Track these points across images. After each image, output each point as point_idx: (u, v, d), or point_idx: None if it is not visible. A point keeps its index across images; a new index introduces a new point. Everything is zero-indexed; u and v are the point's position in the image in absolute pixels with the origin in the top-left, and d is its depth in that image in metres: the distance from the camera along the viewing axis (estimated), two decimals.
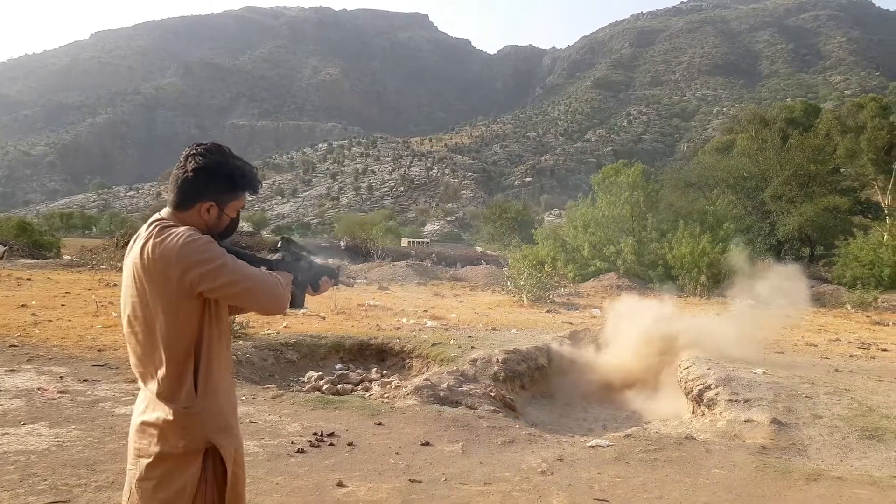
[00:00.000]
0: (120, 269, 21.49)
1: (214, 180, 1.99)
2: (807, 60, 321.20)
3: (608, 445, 5.16)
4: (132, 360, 2.04)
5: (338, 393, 7.33)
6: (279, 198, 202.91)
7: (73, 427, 5.04)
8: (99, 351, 8.02)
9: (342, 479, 4.18)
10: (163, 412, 1.94)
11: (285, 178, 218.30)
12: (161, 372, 1.95)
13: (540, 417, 7.39)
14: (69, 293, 14.39)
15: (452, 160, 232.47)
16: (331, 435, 5.11)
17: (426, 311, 12.88)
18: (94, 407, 5.63)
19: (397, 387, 7.48)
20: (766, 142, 36.68)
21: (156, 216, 2.04)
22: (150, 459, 1.94)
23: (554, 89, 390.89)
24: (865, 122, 35.03)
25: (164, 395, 1.95)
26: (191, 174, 1.97)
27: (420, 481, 4.25)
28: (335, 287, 2.51)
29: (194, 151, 1.99)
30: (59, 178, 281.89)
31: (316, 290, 2.35)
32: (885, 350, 10.46)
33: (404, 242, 62.67)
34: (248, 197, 2.12)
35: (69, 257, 28.01)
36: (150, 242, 1.92)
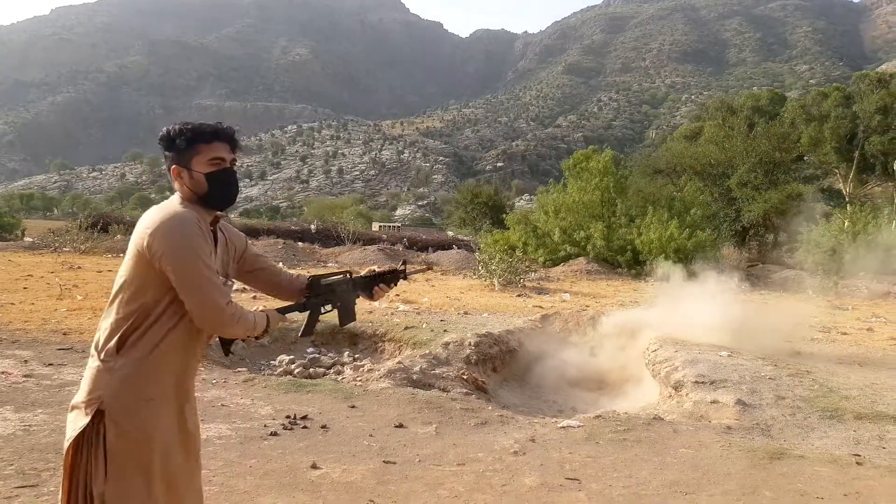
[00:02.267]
0: (83, 252, 21.10)
1: (169, 144, 2.09)
2: (773, 49, 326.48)
3: (579, 426, 5.24)
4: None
5: (310, 377, 7.31)
6: (248, 180, 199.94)
7: (40, 411, 4.95)
8: (64, 335, 7.86)
9: (316, 462, 4.18)
10: (90, 361, 2.01)
11: (254, 161, 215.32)
12: (104, 323, 2.03)
13: (511, 400, 7.47)
14: (31, 276, 14.04)
15: (424, 144, 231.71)
16: (304, 418, 5.10)
17: (398, 294, 12.87)
18: (60, 391, 5.53)
19: (370, 370, 7.48)
20: (732, 129, 37.15)
21: None
22: (69, 408, 2.01)
23: (526, 74, 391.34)
24: (829, 112, 35.75)
25: (96, 346, 2.01)
26: (159, 145, 2.12)
27: (394, 462, 4.27)
28: (407, 281, 2.76)
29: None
30: (19, 158, 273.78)
31: (372, 298, 2.49)
32: (844, 333, 10.78)
33: (375, 227, 62.47)
34: (221, 150, 2.12)
35: (31, 239, 27.28)
36: (150, 210, 2.08)
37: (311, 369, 7.72)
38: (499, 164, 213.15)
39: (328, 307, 2.43)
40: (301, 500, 3.63)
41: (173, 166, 2.08)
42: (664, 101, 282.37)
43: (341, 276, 2.44)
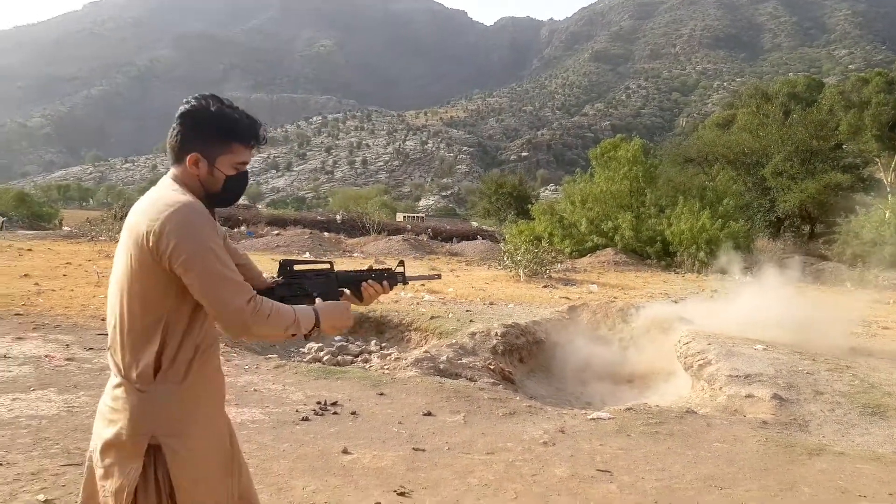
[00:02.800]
0: (118, 241, 21.55)
1: (198, 127, 1.77)
2: (810, 34, 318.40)
3: (609, 418, 5.17)
4: (108, 318, 1.82)
5: (338, 364, 7.34)
6: (274, 171, 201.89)
7: (82, 393, 5.05)
8: (102, 320, 8.01)
9: (347, 447, 4.19)
10: (119, 390, 1.72)
11: (280, 152, 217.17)
12: (118, 342, 1.73)
13: (539, 391, 7.41)
14: (70, 263, 14.37)
15: (448, 134, 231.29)
16: (334, 404, 5.12)
17: (423, 285, 12.87)
18: (101, 374, 5.63)
19: (397, 359, 7.48)
20: (767, 117, 36.36)
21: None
22: (101, 444, 1.72)
23: (551, 62, 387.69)
24: (870, 98, 34.56)
25: (121, 371, 1.73)
26: (176, 121, 1.78)
27: (423, 450, 4.26)
28: (402, 285, 2.23)
29: (185, 99, 1.80)
30: (56, 150, 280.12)
31: (361, 299, 2.10)
32: (886, 328, 10.49)
33: (399, 217, 62.62)
34: (250, 153, 1.86)
35: (68, 228, 27.91)
36: (142, 200, 1.77)
37: (340, 357, 7.76)
38: (523, 154, 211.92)
39: (302, 300, 1.99)
40: (333, 483, 3.64)
41: (194, 153, 1.76)
42: (695, 88, 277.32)
43: (322, 266, 2.08)
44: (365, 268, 2.16)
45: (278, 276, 2.02)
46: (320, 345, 8.16)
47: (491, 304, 11.19)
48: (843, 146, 36.42)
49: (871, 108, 33.91)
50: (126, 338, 1.71)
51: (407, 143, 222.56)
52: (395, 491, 3.58)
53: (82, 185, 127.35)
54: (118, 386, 1.73)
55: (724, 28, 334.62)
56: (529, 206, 32.84)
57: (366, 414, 4.98)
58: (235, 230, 29.87)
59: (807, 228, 35.50)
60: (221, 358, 1.95)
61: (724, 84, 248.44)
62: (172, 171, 1.81)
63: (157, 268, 1.66)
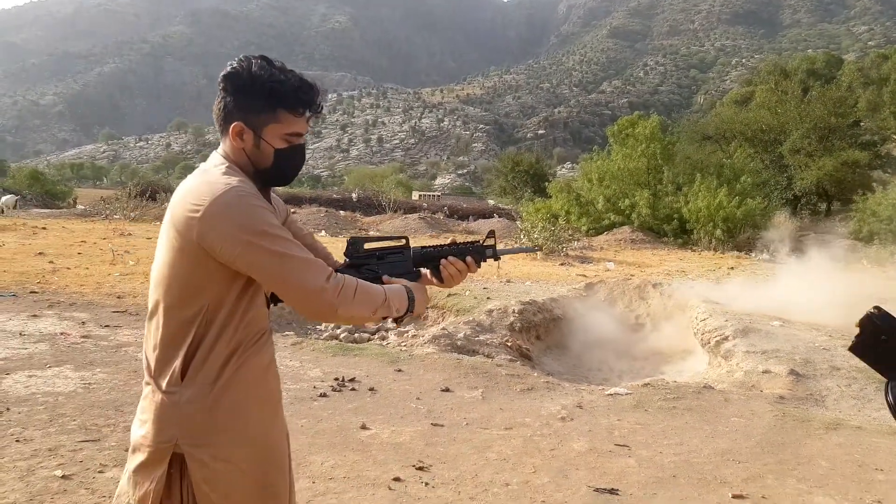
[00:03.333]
0: (133, 219, 21.71)
1: (240, 92, 1.54)
2: (830, 10, 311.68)
3: (627, 394, 5.19)
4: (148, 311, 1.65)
5: (355, 341, 7.40)
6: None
7: (98, 370, 5.13)
8: (118, 298, 8.11)
9: (365, 423, 4.24)
10: (149, 391, 1.57)
11: None
12: (150, 341, 1.58)
13: (556, 367, 7.44)
14: (85, 242, 14.51)
15: (464, 112, 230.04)
16: (352, 380, 5.17)
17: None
18: (117, 351, 5.72)
19: (414, 336, 7.53)
20: (785, 94, 35.77)
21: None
22: (131, 446, 1.60)
23: (569, 38, 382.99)
24: (889, 74, 33.96)
25: (150, 372, 1.57)
26: (218, 86, 1.57)
27: (442, 425, 4.30)
28: (494, 261, 1.87)
29: (229, 63, 1.58)
30: (69, 129, 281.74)
31: (441, 280, 1.79)
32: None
33: (415, 195, 62.51)
34: (304, 123, 1.61)
35: (83, 207, 28.17)
36: (186, 181, 1.57)
37: (357, 334, 7.82)
38: (540, 132, 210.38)
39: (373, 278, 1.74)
40: (352, 459, 3.69)
41: (237, 122, 1.54)
42: (713, 65, 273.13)
43: (396, 243, 1.79)
44: (447, 242, 1.85)
45: (345, 256, 1.76)
46: None
47: (508, 281, 11.20)
48: (862, 123, 35.83)
49: (889, 84, 33.26)
50: (161, 333, 1.54)
51: (423, 120, 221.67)
52: (413, 465, 3.63)
53: (96, 164, 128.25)
54: (147, 385, 1.58)
55: (742, 4, 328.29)
56: (546, 184, 32.62)
57: (384, 390, 5.03)
58: None
59: (824, 206, 35.07)
60: None
61: (743, 61, 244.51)
62: (221, 145, 1.61)
63: (202, 256, 1.47)
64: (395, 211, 32.09)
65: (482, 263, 1.83)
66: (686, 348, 7.83)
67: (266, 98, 1.54)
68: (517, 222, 23.84)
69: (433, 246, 1.81)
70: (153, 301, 1.57)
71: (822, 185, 31.90)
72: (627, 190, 23.97)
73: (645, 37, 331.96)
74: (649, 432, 4.35)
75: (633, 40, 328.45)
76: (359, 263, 1.72)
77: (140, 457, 1.55)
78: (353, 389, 4.99)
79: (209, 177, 1.51)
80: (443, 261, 1.79)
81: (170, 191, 28.27)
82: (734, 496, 3.44)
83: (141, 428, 1.57)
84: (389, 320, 1.63)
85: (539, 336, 8.16)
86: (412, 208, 35.50)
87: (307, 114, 1.60)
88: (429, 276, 1.81)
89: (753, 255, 19.22)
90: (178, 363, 1.52)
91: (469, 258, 1.79)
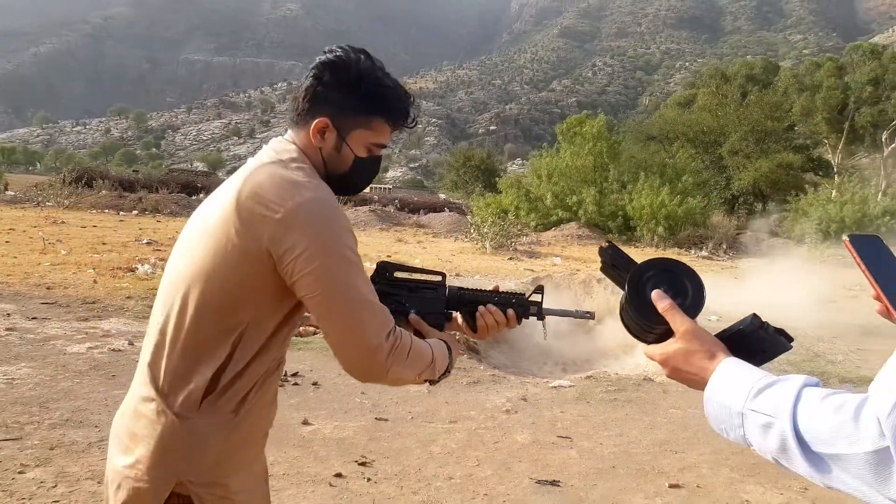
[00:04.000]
0: (67, 207, 20.81)
1: (341, 86, 1.35)
2: (768, 18, 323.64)
3: (570, 386, 5.25)
4: (154, 313, 1.37)
5: (300, 335, 7.27)
6: (235, 138, 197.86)
7: (23, 365, 4.88)
8: (48, 289, 7.76)
9: (307, 418, 4.16)
10: (150, 409, 1.28)
11: (242, 118, 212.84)
12: (169, 343, 1.29)
13: (503, 360, 7.48)
14: (13, 230, 13.84)
15: (416, 105, 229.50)
16: (295, 374, 5.07)
17: (389, 256, 12.82)
18: (44, 345, 5.45)
19: None
20: (726, 97, 37.06)
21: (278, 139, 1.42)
22: (112, 474, 1.32)
23: (520, 36, 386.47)
24: (821, 82, 35.65)
25: (159, 384, 1.29)
26: (310, 72, 1.37)
27: (386, 419, 4.26)
28: (537, 320, 1.59)
29: (329, 48, 1.40)
30: (0, 111, 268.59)
31: (474, 329, 1.55)
32: (832, 301, 10.88)
33: (367, 188, 62.02)
34: (390, 135, 1.44)
35: (13, 193, 26.88)
36: (251, 174, 1.30)
37: (302, 327, 7.69)
38: (492, 128, 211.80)
39: (396, 313, 1.46)
40: (292, 455, 3.61)
41: (323, 118, 1.34)
42: (658, 67, 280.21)
43: (431, 277, 1.57)
44: (489, 288, 1.61)
45: (374, 283, 1.46)
46: None
47: (457, 275, 11.22)
48: (796, 127, 37.50)
49: (822, 91, 34.98)
50: (180, 345, 1.28)
51: None
52: (356, 461, 3.58)
53: (29, 149, 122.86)
54: (148, 401, 1.28)
55: (687, 9, 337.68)
56: (497, 179, 32.90)
57: (328, 384, 4.95)
58: (193, 198, 29.25)
59: (760, 205, 36.48)
60: None
61: (687, 64, 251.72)
62: (290, 135, 1.39)
63: (262, 262, 1.24)
64: (346, 203, 31.77)
65: (523, 321, 1.58)
66: (629, 342, 7.98)
67: (368, 102, 1.36)
68: (468, 216, 23.94)
69: (472, 289, 1.58)
70: (178, 297, 1.29)
71: (759, 185, 33.16)
72: (575, 187, 24.37)
73: (594, 38, 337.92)
74: (591, 424, 4.41)
75: (583, 41, 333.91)
76: (385, 292, 1.47)
77: (124, 494, 1.27)
78: (295, 384, 4.90)
79: (290, 174, 1.28)
80: (481, 308, 1.56)
81: (108, 178, 27.28)
82: (671, 485, 3.52)
83: (127, 455, 1.29)
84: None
85: None
86: (362, 200, 35.16)
87: (401, 125, 1.43)
88: (460, 322, 1.57)
89: (693, 252, 19.80)
90: (201, 381, 1.26)
91: (511, 311, 1.55)
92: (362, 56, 1.38)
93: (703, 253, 19.42)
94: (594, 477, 3.58)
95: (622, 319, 1.02)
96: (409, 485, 3.34)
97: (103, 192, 24.24)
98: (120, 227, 15.82)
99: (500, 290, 1.60)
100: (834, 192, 25.52)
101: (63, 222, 16.35)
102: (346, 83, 1.34)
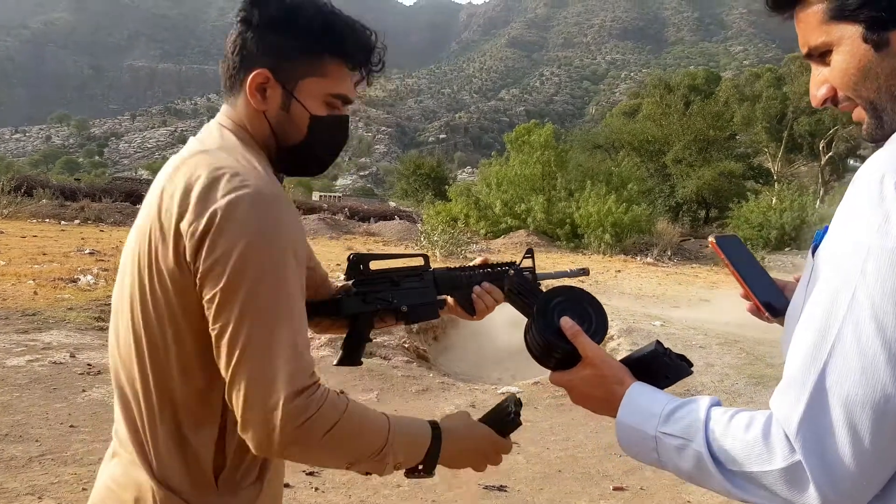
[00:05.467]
0: (6, 217, 19.99)
1: (273, 24, 1.03)
2: (710, 30, 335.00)
3: (518, 392, 5.34)
4: (114, 376, 1.07)
5: None
6: (181, 146, 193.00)
7: None
8: None
9: None
10: (144, 489, 0.99)
11: (189, 126, 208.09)
12: (139, 411, 1.01)
13: (452, 367, 7.54)
14: None
15: (366, 113, 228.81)
16: None
17: (339, 265, 12.74)
18: None
19: (310, 338, 7.40)
20: (669, 107, 38.12)
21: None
22: None
23: (470, 46, 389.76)
24: (761, 92, 37.10)
25: (152, 466, 1.00)
26: (239, 15, 1.06)
27: None
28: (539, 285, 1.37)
29: None
30: None
31: (472, 313, 1.40)
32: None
33: (315, 196, 61.46)
34: (353, 85, 1.12)
35: None
36: (179, 167, 1.02)
37: None
38: (441, 136, 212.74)
39: (385, 311, 1.33)
40: None
41: (262, 69, 1.04)
42: (604, 77, 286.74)
43: (412, 262, 1.41)
44: (476, 262, 1.46)
45: (347, 280, 1.31)
46: None
47: None
48: (737, 136, 38.85)
49: (761, 101, 36.42)
50: (157, 411, 0.99)
51: None
52: (303, 471, 3.56)
53: None
54: (136, 485, 1.00)
55: (632, 20, 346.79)
56: (447, 187, 33.09)
57: None
58: (137, 206, 28.54)
59: (703, 213, 37.63)
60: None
61: (632, 74, 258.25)
62: (224, 110, 1.11)
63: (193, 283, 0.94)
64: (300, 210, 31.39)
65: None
66: None
67: (313, 36, 1.04)
68: (418, 225, 24.00)
69: (461, 268, 1.43)
70: (126, 360, 1.03)
71: (702, 193, 34.19)
72: (524, 195, 24.70)
73: (541, 48, 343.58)
74: (537, 429, 4.50)
75: (531, 50, 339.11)
76: (365, 290, 1.29)
77: None
78: None
79: (219, 159, 0.98)
80: (477, 289, 1.39)
81: (49, 186, 26.28)
82: (615, 488, 3.63)
83: None
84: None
85: (436, 337, 8.24)
86: (312, 209, 34.80)
87: (362, 71, 1.11)
88: (455, 305, 1.41)
89: (639, 258, 20.30)
90: (206, 457, 1.00)
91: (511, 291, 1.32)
92: None
93: (649, 259, 19.93)
94: (541, 481, 3.66)
95: (526, 343, 1.03)
96: (358, 493, 3.36)
97: (44, 200, 23.39)
98: (61, 236, 15.29)
99: (491, 263, 1.45)
100: (774, 200, 26.54)
101: (1, 232, 15.71)
102: (282, 19, 1.03)
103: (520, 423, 1.21)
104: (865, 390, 0.69)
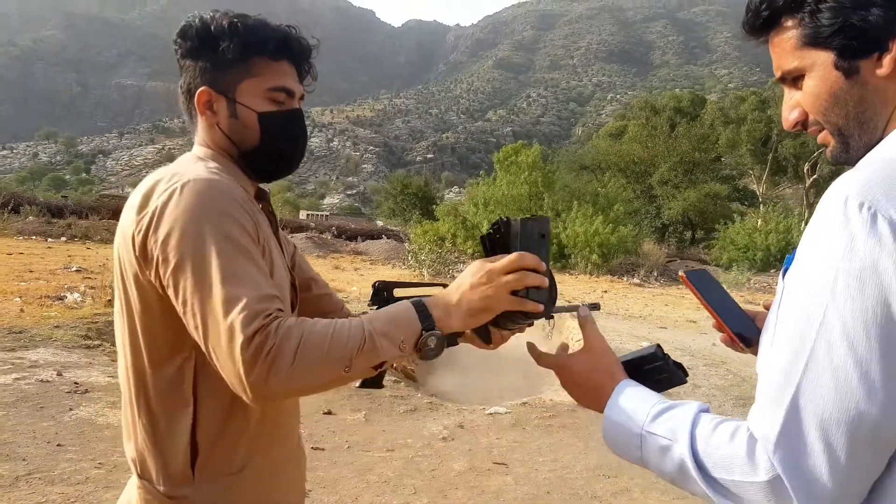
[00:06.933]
0: None
1: (200, 46, 1.14)
2: (695, 53, 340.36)
3: (506, 413, 5.33)
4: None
5: None
6: (168, 163, 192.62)
7: None
8: None
9: None
10: (135, 494, 1.10)
11: (176, 144, 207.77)
12: (129, 412, 1.10)
13: (440, 387, 7.51)
14: None
15: (354, 133, 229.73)
16: None
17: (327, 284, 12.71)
18: None
19: None
20: (655, 129, 38.55)
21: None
22: None
23: (457, 67, 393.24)
24: (746, 115, 37.58)
25: (136, 462, 1.10)
26: (176, 50, 1.18)
27: (322, 449, 4.22)
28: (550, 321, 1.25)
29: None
30: None
31: (488, 341, 1.31)
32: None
33: (303, 215, 61.38)
34: (288, 75, 1.18)
35: None
36: (150, 179, 1.09)
37: None
38: (429, 156, 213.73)
39: None
40: None
41: (203, 87, 1.14)
42: (591, 99, 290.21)
43: (434, 291, 1.39)
44: None
45: (371, 307, 1.33)
46: None
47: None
48: (722, 158, 39.29)
49: (746, 124, 36.90)
50: (137, 408, 1.07)
51: (312, 139, 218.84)
52: (311, 447, 3.54)
53: None
54: (138, 488, 1.09)
55: (618, 43, 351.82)
56: (434, 207, 33.18)
57: None
58: None
59: (689, 234, 37.92)
60: None
61: (618, 96, 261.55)
62: (196, 141, 1.22)
63: (157, 285, 1.01)
64: (282, 230, 31.32)
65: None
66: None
67: (230, 43, 1.12)
68: (405, 244, 24.01)
69: None
70: (121, 367, 1.12)
71: (687, 214, 34.50)
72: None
73: (528, 69, 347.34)
74: (526, 450, 4.48)
75: (518, 72, 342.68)
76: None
77: None
78: None
79: (173, 167, 1.10)
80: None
81: (36, 203, 26.11)
82: None
83: None
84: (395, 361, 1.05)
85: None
86: (299, 227, 34.76)
87: (290, 61, 1.18)
88: (472, 334, 1.34)
89: (626, 279, 20.39)
90: (181, 447, 1.05)
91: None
92: (211, 11, 1.17)
93: (636, 280, 20.02)
94: (530, 502, 3.64)
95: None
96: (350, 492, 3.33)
97: (30, 217, 23.21)
98: (48, 254, 15.14)
99: None
100: (759, 222, 26.81)
101: None
102: (202, 40, 1.13)
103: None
104: (839, 408, 0.71)
